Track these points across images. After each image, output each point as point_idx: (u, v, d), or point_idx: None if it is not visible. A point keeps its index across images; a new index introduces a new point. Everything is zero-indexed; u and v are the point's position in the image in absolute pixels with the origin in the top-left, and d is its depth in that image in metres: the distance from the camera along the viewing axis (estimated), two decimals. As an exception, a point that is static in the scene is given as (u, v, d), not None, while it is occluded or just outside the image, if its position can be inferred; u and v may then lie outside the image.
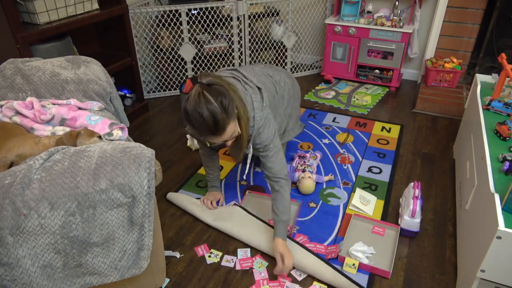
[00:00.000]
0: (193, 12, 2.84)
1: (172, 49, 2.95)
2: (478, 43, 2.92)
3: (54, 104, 1.37)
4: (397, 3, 2.94)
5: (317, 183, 1.97)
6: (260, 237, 1.62)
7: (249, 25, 3.03)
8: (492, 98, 1.83)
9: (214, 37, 3.12)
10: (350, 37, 3.01)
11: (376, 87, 3.15)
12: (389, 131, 2.51)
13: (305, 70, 3.46)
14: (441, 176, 2.09)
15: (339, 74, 3.22)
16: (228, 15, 2.92)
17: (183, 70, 3.03)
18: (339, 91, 3.08)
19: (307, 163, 2.01)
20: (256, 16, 3.04)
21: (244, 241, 1.64)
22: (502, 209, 1.20)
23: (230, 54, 3.08)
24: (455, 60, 2.91)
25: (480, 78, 2.13)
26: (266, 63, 3.49)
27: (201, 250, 1.63)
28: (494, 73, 2.15)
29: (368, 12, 3.07)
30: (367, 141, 2.40)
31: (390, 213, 1.83)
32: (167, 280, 1.50)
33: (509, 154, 1.43)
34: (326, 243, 1.65)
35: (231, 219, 1.72)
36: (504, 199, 1.20)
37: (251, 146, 1.52)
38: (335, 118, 2.67)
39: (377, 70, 3.11)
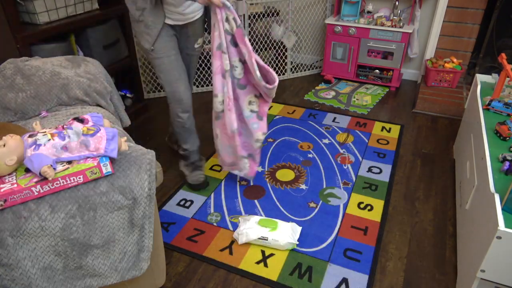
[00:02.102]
0: (193, 12, 2.83)
1: (172, 49, 2.95)
2: (478, 43, 2.92)
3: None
4: (397, 3, 2.94)
5: None
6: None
7: (249, 25, 3.03)
8: (492, 98, 1.83)
9: (214, 37, 3.11)
10: (350, 37, 3.01)
11: (376, 87, 3.15)
12: (389, 131, 2.51)
13: (305, 70, 3.46)
14: (441, 176, 2.09)
15: (339, 74, 3.22)
16: (228, 15, 2.91)
17: (183, 70, 3.02)
18: (339, 91, 3.08)
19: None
20: (256, 16, 3.03)
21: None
22: (502, 209, 1.20)
23: (230, 54, 3.07)
24: (455, 60, 2.91)
25: (480, 78, 2.13)
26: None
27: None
28: (494, 73, 2.15)
29: (368, 12, 3.07)
30: (367, 141, 2.40)
31: (390, 213, 1.83)
32: (167, 280, 1.51)
33: (509, 154, 1.43)
34: (325, 244, 1.65)
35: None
36: (504, 199, 1.20)
37: None
38: (335, 118, 2.67)
39: (377, 70, 3.11)
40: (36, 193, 0.96)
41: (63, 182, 0.98)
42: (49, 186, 0.96)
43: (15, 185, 0.95)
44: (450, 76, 2.89)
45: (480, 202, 1.37)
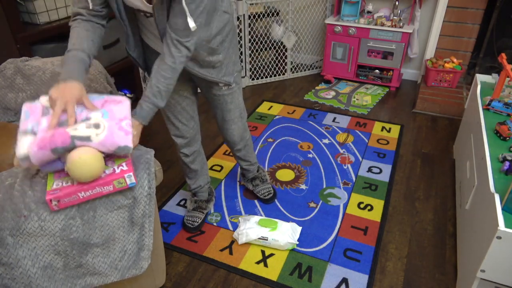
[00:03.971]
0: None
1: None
2: (478, 43, 2.92)
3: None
4: (397, 3, 2.94)
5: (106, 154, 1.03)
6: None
7: (249, 25, 3.03)
8: (492, 98, 1.83)
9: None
10: (350, 37, 3.01)
11: (376, 87, 3.15)
12: (389, 131, 2.51)
13: (305, 70, 3.46)
14: (441, 176, 2.09)
15: (339, 74, 3.22)
16: (228, 15, 2.92)
17: (183, 70, 3.03)
18: (339, 91, 3.08)
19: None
20: (256, 16, 3.03)
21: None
22: (502, 209, 1.20)
23: (230, 54, 3.07)
24: (455, 60, 2.91)
25: (480, 78, 2.13)
26: (264, 60, 3.49)
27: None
28: (494, 73, 2.15)
29: (368, 12, 3.07)
30: (367, 141, 2.40)
31: (390, 213, 1.83)
32: (167, 280, 1.51)
33: (509, 154, 1.43)
34: (325, 244, 1.65)
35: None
36: (504, 199, 1.20)
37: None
38: (335, 118, 2.67)
39: (377, 70, 3.10)
40: (81, 197, 0.98)
41: (99, 190, 0.99)
42: (90, 192, 0.98)
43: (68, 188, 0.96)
44: (450, 76, 2.89)
45: (480, 202, 1.37)
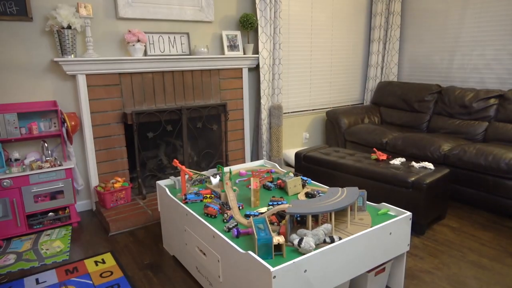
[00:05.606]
0: None
1: None
2: (132, 160, 3.42)
3: None
4: (45, 144, 2.92)
5: None
6: None
7: None
8: (184, 194, 2.27)
9: None
10: (8, 190, 2.65)
11: (58, 229, 2.91)
12: (104, 262, 2.42)
13: (-50, 249, 2.62)
14: (161, 276, 2.27)
15: (7, 233, 2.70)
16: None
17: None
18: (19, 250, 2.59)
19: None
20: None
21: None
22: (261, 257, 1.56)
23: None
24: (119, 179, 3.24)
25: (160, 183, 2.55)
26: None
27: None
28: (172, 176, 2.63)
29: (16, 160, 2.84)
30: (92, 282, 2.19)
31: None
32: None
33: (230, 223, 1.86)
34: None
35: None
36: (256, 251, 1.57)
37: None
38: (37, 279, 2.23)
39: (51, 213, 2.89)
40: None
41: None
42: None
43: None
44: (123, 193, 3.18)
45: (234, 266, 1.69)
